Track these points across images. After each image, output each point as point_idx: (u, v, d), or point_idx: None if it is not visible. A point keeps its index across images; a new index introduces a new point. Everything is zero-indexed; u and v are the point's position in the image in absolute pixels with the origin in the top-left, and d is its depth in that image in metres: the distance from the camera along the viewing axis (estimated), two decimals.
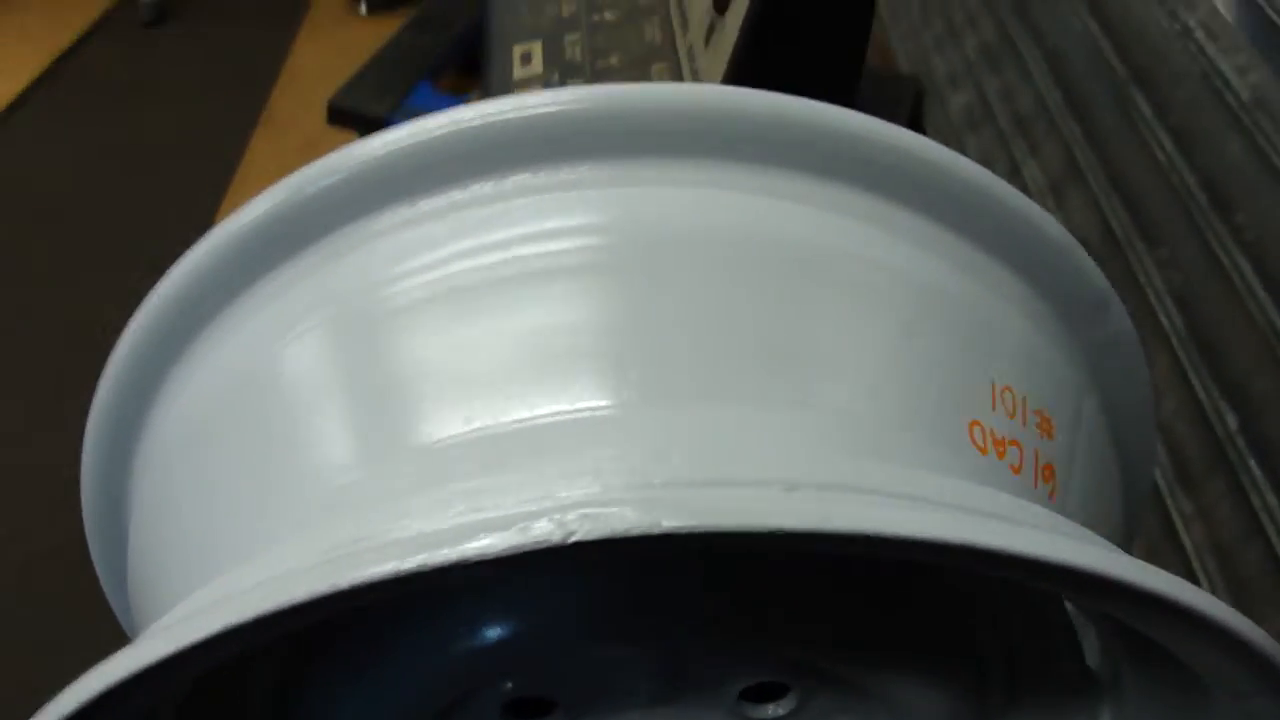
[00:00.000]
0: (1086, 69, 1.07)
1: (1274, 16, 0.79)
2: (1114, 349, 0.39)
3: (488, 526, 0.22)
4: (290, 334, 0.32)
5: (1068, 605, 0.37)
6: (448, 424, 0.29)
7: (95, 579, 0.42)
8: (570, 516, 0.22)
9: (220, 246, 0.34)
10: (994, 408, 0.32)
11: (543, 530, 0.22)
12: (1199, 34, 0.89)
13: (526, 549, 0.22)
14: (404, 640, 0.34)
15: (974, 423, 0.32)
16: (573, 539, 0.22)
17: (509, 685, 0.36)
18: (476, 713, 0.37)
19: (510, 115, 0.32)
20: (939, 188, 0.34)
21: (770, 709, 0.38)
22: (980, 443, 0.32)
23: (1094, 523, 0.35)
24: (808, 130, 0.33)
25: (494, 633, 0.33)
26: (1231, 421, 0.76)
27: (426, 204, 0.33)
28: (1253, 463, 0.73)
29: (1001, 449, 0.32)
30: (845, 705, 0.39)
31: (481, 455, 0.28)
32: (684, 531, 0.22)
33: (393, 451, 0.30)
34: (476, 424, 0.29)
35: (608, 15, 0.88)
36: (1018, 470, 0.32)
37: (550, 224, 0.32)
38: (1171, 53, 0.93)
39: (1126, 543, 0.42)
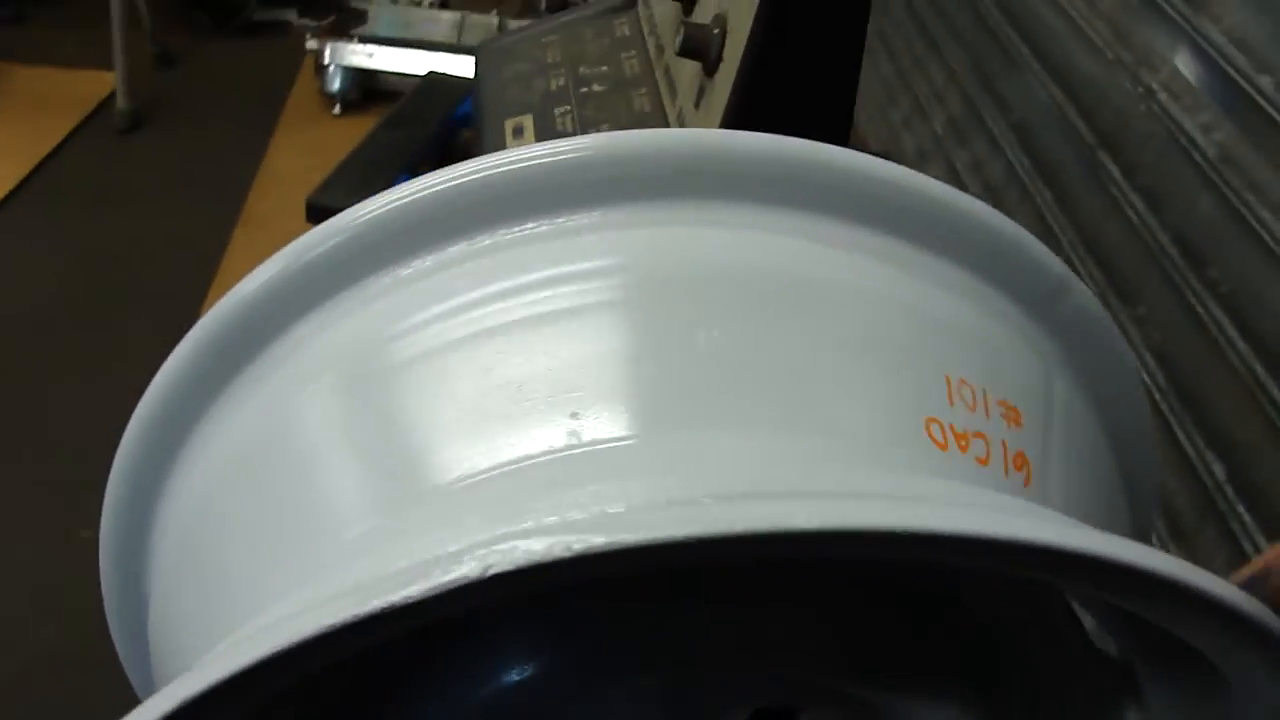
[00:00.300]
0: (1054, 136, 1.10)
1: (1235, 75, 0.81)
2: (1081, 328, 0.39)
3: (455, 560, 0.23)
4: (301, 394, 0.33)
5: (1082, 618, 0.38)
6: (444, 470, 0.30)
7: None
8: (495, 549, 0.23)
9: (227, 313, 0.35)
10: (951, 403, 0.33)
11: (462, 570, 0.23)
12: (1162, 95, 0.91)
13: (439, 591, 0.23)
14: (431, 691, 0.35)
15: (930, 420, 0.32)
16: (490, 572, 0.23)
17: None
18: None
19: (511, 167, 0.33)
20: (881, 198, 0.36)
21: None
22: (939, 439, 0.32)
23: (1084, 505, 0.36)
24: (761, 161, 0.35)
25: (513, 676, 0.34)
26: (1219, 471, 0.77)
27: (431, 258, 0.33)
28: (1242, 509, 0.73)
29: (964, 442, 0.32)
30: None
31: (486, 495, 0.29)
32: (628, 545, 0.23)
33: (405, 500, 0.30)
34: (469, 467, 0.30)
35: (596, 87, 0.90)
36: (985, 461, 0.33)
37: (549, 271, 0.32)
38: (1136, 115, 0.95)
39: (1136, 530, 0.42)
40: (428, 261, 0.34)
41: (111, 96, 2.24)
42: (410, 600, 0.22)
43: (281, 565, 0.31)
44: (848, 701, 0.38)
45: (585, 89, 0.88)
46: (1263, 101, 0.78)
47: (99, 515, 0.38)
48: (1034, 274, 0.38)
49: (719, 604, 0.35)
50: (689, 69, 0.81)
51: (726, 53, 0.74)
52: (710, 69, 0.75)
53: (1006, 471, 0.33)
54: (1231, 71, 0.82)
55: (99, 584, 0.39)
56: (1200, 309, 0.84)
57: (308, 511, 0.31)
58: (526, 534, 0.23)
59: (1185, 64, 0.89)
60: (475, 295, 0.33)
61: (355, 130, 2.04)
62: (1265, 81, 0.78)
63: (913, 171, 0.36)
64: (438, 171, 0.33)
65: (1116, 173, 0.97)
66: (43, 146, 2.13)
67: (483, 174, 0.33)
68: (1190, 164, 0.87)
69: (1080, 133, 1.04)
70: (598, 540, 0.23)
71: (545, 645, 0.35)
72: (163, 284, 1.75)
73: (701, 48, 0.75)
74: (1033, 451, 0.34)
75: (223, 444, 0.34)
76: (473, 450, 0.30)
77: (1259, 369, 0.75)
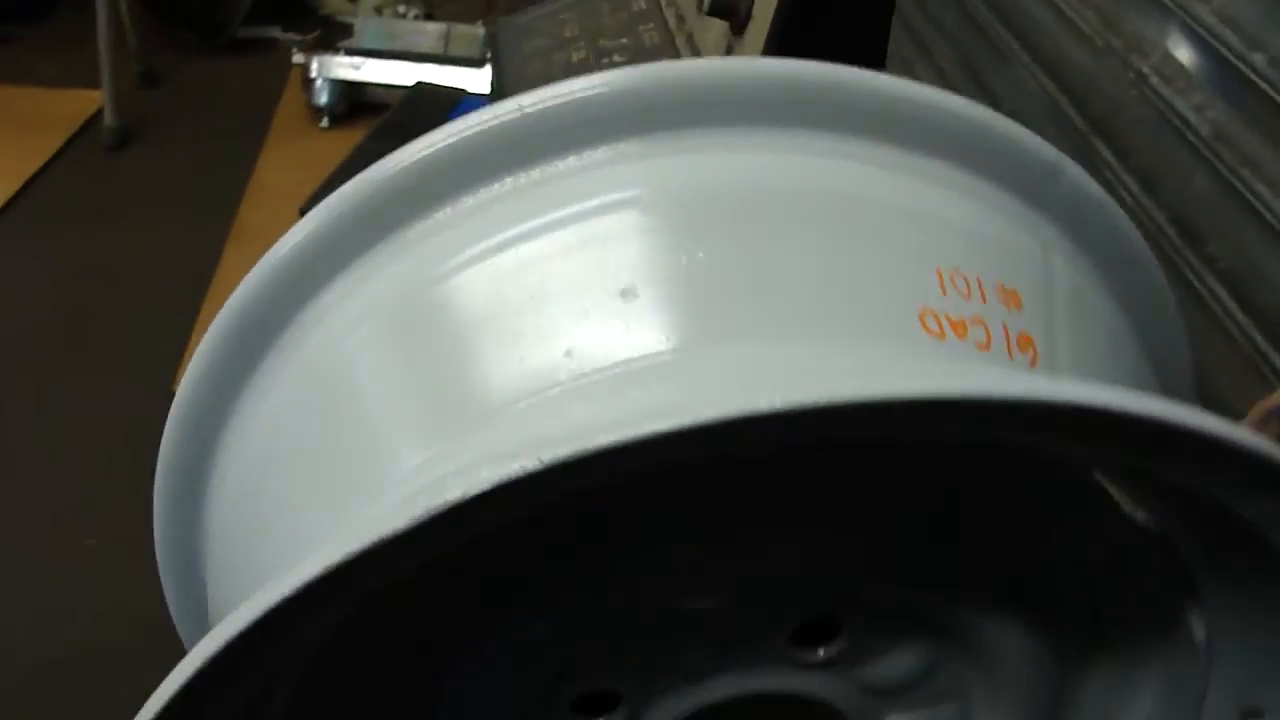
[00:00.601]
0: (1046, 126, 1.11)
1: (1227, 54, 0.83)
2: (1080, 209, 0.40)
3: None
4: (353, 338, 0.34)
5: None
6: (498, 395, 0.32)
7: None
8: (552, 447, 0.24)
9: (271, 270, 0.36)
10: (944, 293, 0.34)
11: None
12: (1154, 79, 0.93)
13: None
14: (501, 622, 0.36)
15: (924, 311, 0.33)
16: (550, 459, 0.24)
17: (577, 674, 0.37)
18: (548, 708, 0.38)
19: (561, 99, 0.34)
20: (863, 105, 0.37)
21: (822, 651, 0.39)
22: (935, 329, 0.33)
23: (1099, 375, 0.37)
24: (737, 85, 0.37)
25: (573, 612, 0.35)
26: None
27: (486, 191, 0.35)
28: None
29: (961, 329, 0.34)
30: (906, 641, 0.39)
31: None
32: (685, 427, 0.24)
33: (462, 426, 0.31)
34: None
35: (617, 58, 0.91)
36: (986, 346, 0.34)
37: (594, 201, 0.34)
38: (1128, 100, 0.97)
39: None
40: (469, 201, 0.35)
41: (99, 114, 2.24)
42: (497, 483, 0.23)
43: (346, 496, 0.32)
44: (890, 614, 0.38)
45: (607, 59, 0.89)
46: (1256, 78, 0.80)
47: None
48: (1025, 161, 0.39)
49: (771, 528, 0.36)
50: (715, 31, 0.82)
51: (756, 10, 0.75)
52: (739, 27, 0.77)
53: (1011, 353, 0.34)
54: (1223, 50, 0.83)
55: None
56: (1199, 284, 0.86)
57: (370, 447, 0.32)
58: (580, 433, 0.24)
59: (1176, 46, 0.90)
60: (517, 230, 0.34)
61: (344, 142, 2.05)
62: (1258, 59, 0.79)
63: (893, 77, 0.37)
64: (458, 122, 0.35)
65: (1110, 157, 0.98)
66: (31, 165, 2.12)
67: (508, 117, 0.35)
68: (1184, 144, 0.89)
69: (1073, 121, 1.05)
70: (661, 424, 0.24)
71: (599, 582, 0.36)
72: (157, 297, 1.75)
73: (731, 5, 0.77)
74: (1037, 330, 0.35)
75: (281, 393, 0.35)
76: (520, 375, 0.31)
77: (1259, 339, 0.77)
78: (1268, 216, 0.78)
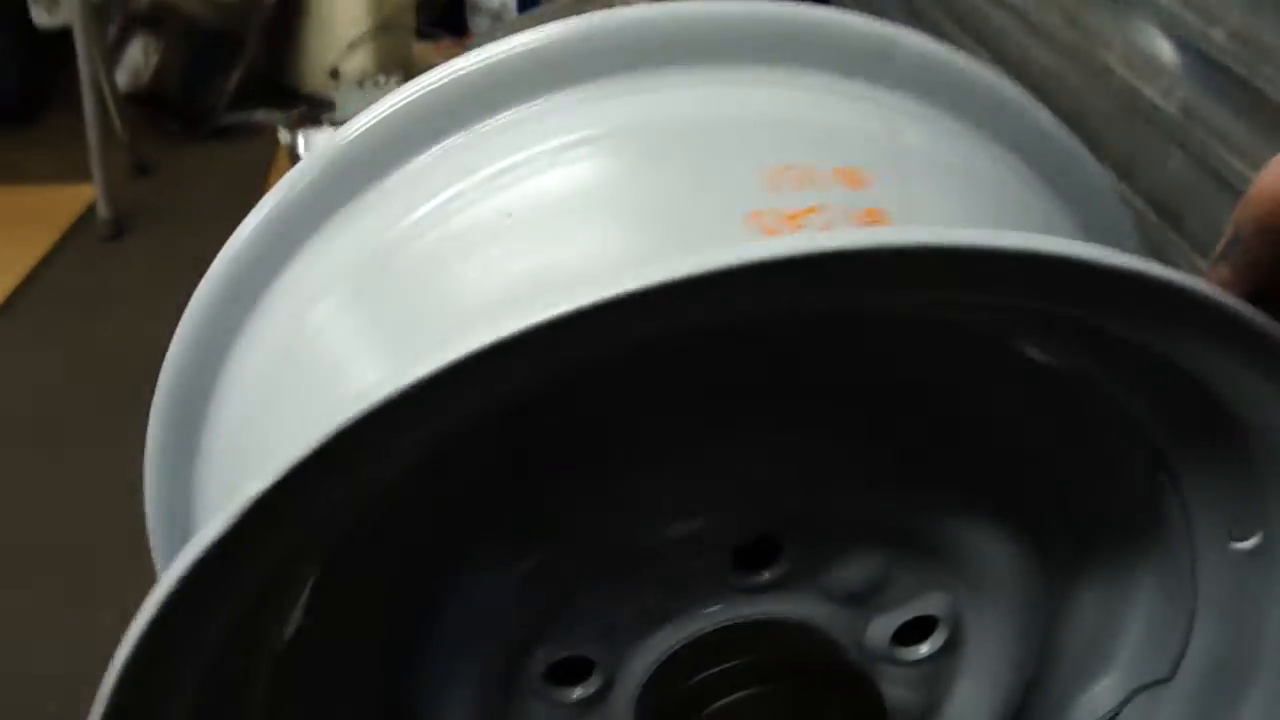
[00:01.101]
0: None
1: (1186, 35, 0.85)
2: (924, 74, 0.40)
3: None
4: (328, 293, 0.37)
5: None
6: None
7: None
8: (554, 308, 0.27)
9: (245, 240, 0.43)
10: (772, 190, 0.35)
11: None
12: (1120, 69, 0.95)
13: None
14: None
15: (753, 214, 0.35)
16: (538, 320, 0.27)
17: (543, 639, 0.39)
18: (522, 683, 0.40)
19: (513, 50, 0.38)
20: (683, 31, 0.39)
21: (767, 574, 0.40)
22: (772, 226, 0.34)
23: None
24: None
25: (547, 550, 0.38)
26: None
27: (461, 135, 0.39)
28: None
29: (796, 223, 0.34)
30: (856, 550, 0.40)
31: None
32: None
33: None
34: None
35: None
36: (827, 228, 0.35)
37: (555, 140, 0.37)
38: (1096, 93, 0.99)
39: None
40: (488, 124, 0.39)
41: (92, 207, 2.27)
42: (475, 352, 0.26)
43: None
44: (854, 525, 0.40)
45: None
46: (1216, 54, 0.82)
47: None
48: (853, 47, 0.40)
49: (701, 450, 0.38)
50: None
51: None
52: None
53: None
54: (1182, 32, 0.85)
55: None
56: (1183, 263, 0.87)
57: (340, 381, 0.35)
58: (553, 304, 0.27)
59: (1137, 34, 0.93)
60: (466, 182, 0.38)
61: None
62: (1217, 33, 0.81)
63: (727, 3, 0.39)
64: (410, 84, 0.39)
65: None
66: (30, 259, 2.15)
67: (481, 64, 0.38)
68: (1154, 127, 0.91)
69: None
70: (629, 285, 0.26)
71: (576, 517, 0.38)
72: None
73: None
74: (890, 202, 0.36)
75: (260, 352, 0.39)
76: (483, 293, 0.35)
77: None
78: (1241, 187, 0.79)
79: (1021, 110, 0.42)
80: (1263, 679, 0.40)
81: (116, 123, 2.41)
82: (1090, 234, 0.43)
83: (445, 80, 0.38)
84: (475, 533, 0.38)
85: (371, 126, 0.39)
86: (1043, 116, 0.42)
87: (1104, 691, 0.45)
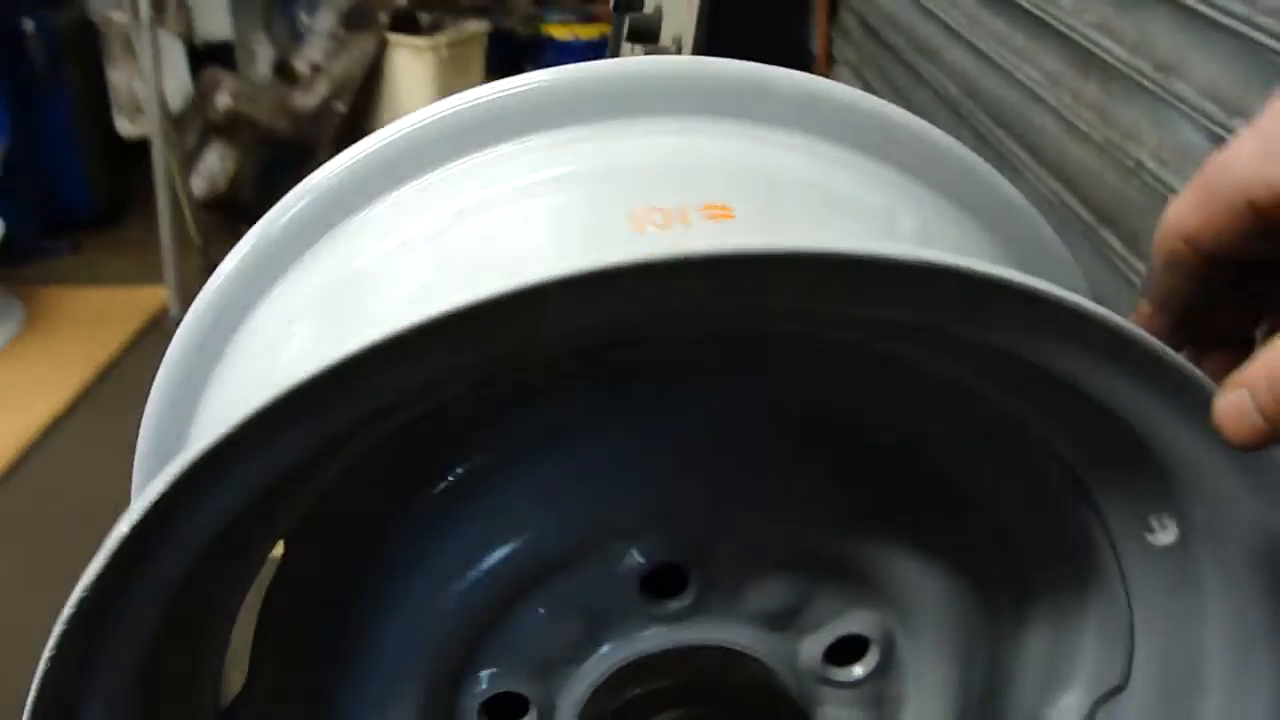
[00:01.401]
0: (1056, 223, 1.14)
1: (1214, 128, 0.86)
2: (805, 106, 0.41)
3: None
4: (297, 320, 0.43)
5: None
6: None
7: None
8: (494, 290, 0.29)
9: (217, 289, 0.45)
10: (642, 232, 0.36)
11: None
12: (1151, 164, 0.96)
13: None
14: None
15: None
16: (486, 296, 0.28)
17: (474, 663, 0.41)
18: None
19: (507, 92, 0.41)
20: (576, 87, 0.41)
21: (674, 604, 0.41)
22: None
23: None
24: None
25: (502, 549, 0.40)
26: None
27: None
28: None
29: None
30: (769, 576, 0.41)
31: None
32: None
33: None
34: None
35: None
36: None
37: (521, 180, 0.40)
38: (1130, 189, 1.00)
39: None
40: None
41: (166, 308, 2.35)
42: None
43: None
44: (794, 558, 0.41)
45: None
46: None
47: None
48: (727, 88, 0.41)
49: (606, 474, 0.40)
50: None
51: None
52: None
53: None
54: (1210, 125, 0.86)
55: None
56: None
57: None
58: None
59: (1167, 130, 0.94)
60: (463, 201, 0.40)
61: None
62: (1240, 125, 0.82)
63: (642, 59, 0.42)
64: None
65: (1119, 245, 1.01)
66: (103, 355, 2.23)
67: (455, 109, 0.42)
68: None
69: (1080, 216, 1.08)
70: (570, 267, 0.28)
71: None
72: None
73: (648, 28, 0.87)
74: (756, 230, 0.37)
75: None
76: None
77: None
78: None
79: (914, 134, 0.43)
80: (1214, 684, 0.41)
81: (191, 227, 2.50)
82: (1020, 260, 0.44)
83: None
84: (394, 565, 0.40)
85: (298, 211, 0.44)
86: (937, 135, 0.43)
87: (1069, 705, 0.45)
